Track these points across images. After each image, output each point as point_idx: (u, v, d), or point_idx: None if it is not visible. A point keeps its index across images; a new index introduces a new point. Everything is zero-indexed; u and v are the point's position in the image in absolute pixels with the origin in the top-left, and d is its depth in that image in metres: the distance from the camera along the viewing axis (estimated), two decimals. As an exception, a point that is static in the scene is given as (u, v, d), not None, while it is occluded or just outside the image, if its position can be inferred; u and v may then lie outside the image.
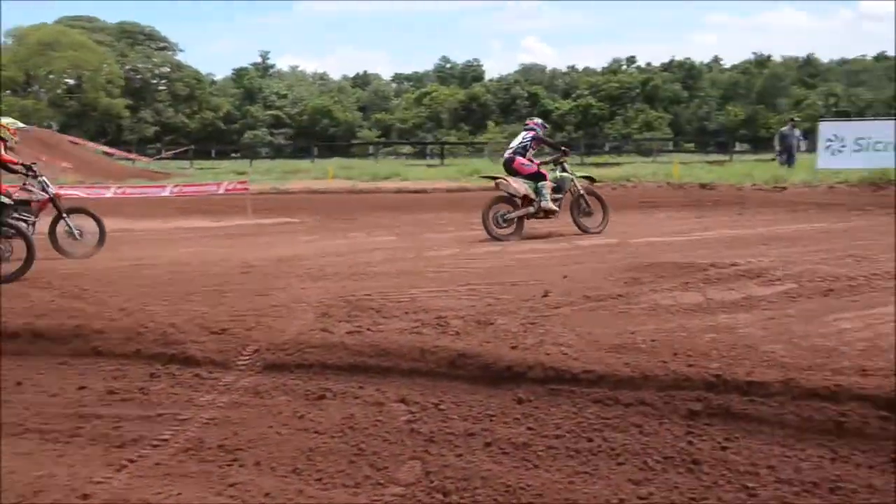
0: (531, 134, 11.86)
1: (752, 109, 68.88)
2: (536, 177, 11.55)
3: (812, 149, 23.05)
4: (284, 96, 74.00)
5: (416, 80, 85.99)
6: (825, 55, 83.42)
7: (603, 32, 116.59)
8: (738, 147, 46.46)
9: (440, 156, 38.14)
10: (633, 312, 5.96)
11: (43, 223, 10.52)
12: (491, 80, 79.46)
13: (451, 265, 8.93)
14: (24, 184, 10.31)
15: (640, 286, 6.88)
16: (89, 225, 10.78)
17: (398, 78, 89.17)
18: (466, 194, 19.11)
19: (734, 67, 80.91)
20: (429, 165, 32.63)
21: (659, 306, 6.13)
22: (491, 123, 67.52)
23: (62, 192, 11.41)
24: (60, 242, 10.59)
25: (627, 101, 70.44)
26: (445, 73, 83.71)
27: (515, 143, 11.92)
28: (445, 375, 4.69)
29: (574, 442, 3.72)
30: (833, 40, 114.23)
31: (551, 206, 11.48)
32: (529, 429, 3.90)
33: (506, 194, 11.36)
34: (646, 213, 14.15)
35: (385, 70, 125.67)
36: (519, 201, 11.33)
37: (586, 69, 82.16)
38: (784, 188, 18.89)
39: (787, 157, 23.27)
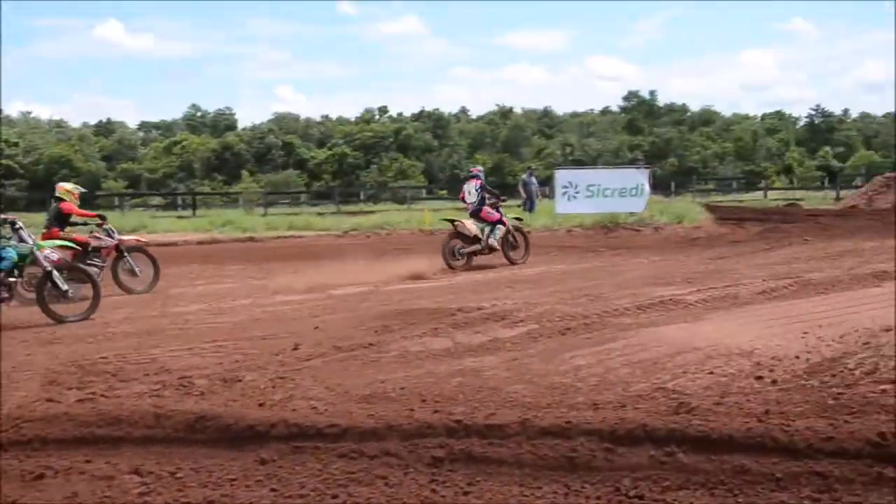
0: (479, 182, 13.99)
1: (499, 157, 73.11)
2: (496, 222, 13.66)
3: (552, 195, 24.80)
4: (15, 144, 67.83)
5: (165, 128, 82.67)
6: (560, 108, 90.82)
7: (356, 82, 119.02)
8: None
9: (192, 207, 36.60)
10: (383, 361, 5.96)
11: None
12: (244, 129, 78.14)
13: (198, 321, 8.52)
14: (93, 233, 11.64)
15: (391, 334, 6.92)
16: (146, 263, 11.95)
17: (145, 126, 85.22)
18: (219, 246, 18.46)
19: (480, 118, 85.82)
20: (179, 217, 31.15)
21: (409, 353, 6.19)
22: (245, 173, 66.13)
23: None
24: (122, 279, 11.64)
25: (381, 150, 72.08)
26: (196, 122, 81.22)
27: (473, 197, 13.91)
28: (184, 441, 4.37)
29: (319, 500, 3.59)
30: (566, 95, 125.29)
31: (496, 244, 13.56)
32: (273, 490, 3.72)
33: (460, 232, 13.48)
34: (397, 261, 14.38)
35: (131, 118, 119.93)
36: (471, 239, 13.44)
37: (340, 118, 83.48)
38: (528, 232, 20.05)
39: (529, 202, 24.90)
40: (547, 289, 10.00)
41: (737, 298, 8.42)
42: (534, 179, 25.80)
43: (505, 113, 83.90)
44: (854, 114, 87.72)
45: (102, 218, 11.91)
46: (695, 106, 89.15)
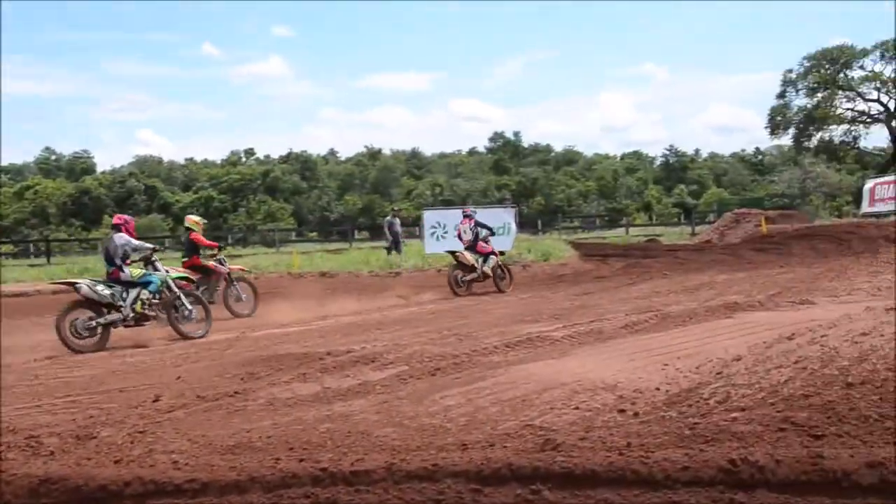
0: (472, 222, 16.34)
1: (369, 199, 73.23)
2: (489, 253, 15.93)
3: (421, 235, 25.00)
4: None
5: (16, 171, 78.23)
6: (428, 149, 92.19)
7: (221, 124, 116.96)
8: (358, 235, 48.88)
9: (46, 254, 34.55)
10: (249, 409, 5.79)
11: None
12: (104, 173, 75.01)
13: (49, 375, 8.02)
14: (214, 261, 13.48)
15: (258, 381, 6.75)
16: (249, 290, 13.78)
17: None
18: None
19: (349, 159, 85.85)
20: (32, 265, 29.30)
21: (276, 400, 6.04)
22: (106, 217, 63.34)
23: None
24: (230, 304, 13.36)
25: (249, 193, 70.80)
26: (50, 165, 77.40)
27: (469, 235, 16.13)
28: (27, 508, 4.08)
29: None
30: (433, 136, 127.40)
31: (489, 272, 15.73)
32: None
33: (461, 262, 15.60)
34: (268, 304, 14.11)
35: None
36: (469, 268, 15.60)
37: (205, 161, 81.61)
38: (398, 273, 20.12)
39: (395, 243, 24.93)
40: (416, 329, 10.03)
41: (601, 333, 8.70)
42: (397, 221, 25.89)
43: (373, 154, 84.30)
44: (704, 154, 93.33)
45: (220, 248, 13.91)
46: (558, 146, 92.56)
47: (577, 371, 6.40)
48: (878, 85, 44.35)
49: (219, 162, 79.90)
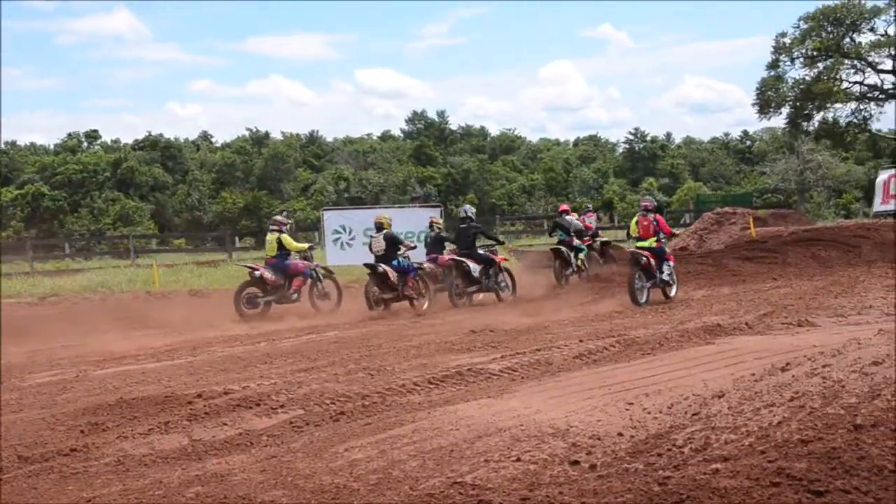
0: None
1: (253, 196, 72.55)
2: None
3: (321, 241, 24.86)
4: None
5: None
6: (330, 133, 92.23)
7: (52, 98, 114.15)
8: (239, 243, 48.27)
9: None
10: (92, 472, 5.67)
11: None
12: None
13: None
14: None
15: (104, 433, 6.63)
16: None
17: None
18: None
19: (227, 146, 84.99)
20: None
21: (128, 458, 5.94)
22: None
23: None
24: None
25: (94, 188, 69.32)
26: None
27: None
28: None
29: None
30: (336, 116, 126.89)
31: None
32: None
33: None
34: (122, 333, 13.84)
35: None
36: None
37: (33, 147, 79.70)
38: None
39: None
40: (315, 362, 9.99)
41: (550, 365, 8.80)
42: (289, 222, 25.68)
43: (259, 139, 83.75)
44: (678, 139, 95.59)
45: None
46: (494, 129, 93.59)
47: (520, 413, 6.45)
48: (893, 52, 45.13)
49: (51, 148, 78.11)
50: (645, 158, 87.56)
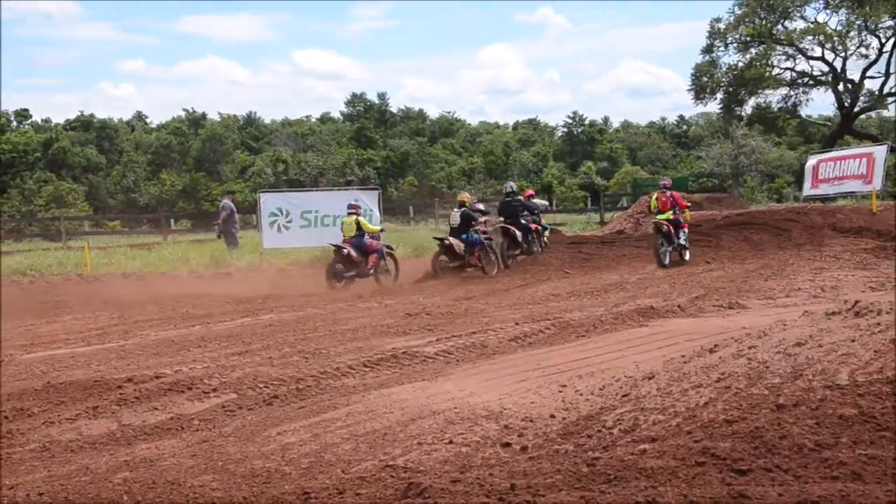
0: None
1: (190, 178, 71.72)
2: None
3: (258, 224, 24.63)
4: None
5: None
6: (268, 115, 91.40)
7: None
8: (175, 225, 47.73)
9: None
10: (16, 458, 5.59)
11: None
12: None
13: None
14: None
15: (30, 419, 6.53)
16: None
17: None
18: None
19: (163, 127, 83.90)
20: None
21: (55, 444, 5.87)
22: None
23: None
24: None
25: (24, 169, 67.87)
26: None
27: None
28: None
29: None
30: (275, 98, 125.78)
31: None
32: None
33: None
34: (52, 319, 13.62)
35: None
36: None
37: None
38: (229, 273, 19.81)
39: (226, 234, 24.26)
40: (249, 346, 9.94)
41: (485, 347, 8.85)
42: (231, 206, 25.22)
43: (196, 120, 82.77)
44: (616, 123, 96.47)
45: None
46: (434, 112, 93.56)
47: (454, 395, 6.48)
48: (822, 39, 45.84)
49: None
50: (583, 142, 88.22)
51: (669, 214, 18.77)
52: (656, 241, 18.62)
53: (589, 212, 43.51)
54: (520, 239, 20.19)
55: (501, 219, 20.72)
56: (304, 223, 21.93)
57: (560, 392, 6.35)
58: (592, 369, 7.22)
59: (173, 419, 6.42)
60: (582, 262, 19.61)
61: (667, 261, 18.11)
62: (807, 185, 32.70)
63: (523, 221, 20.60)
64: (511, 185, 22.20)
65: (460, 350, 8.73)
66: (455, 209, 19.71)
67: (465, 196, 20.46)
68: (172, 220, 44.72)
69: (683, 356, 6.48)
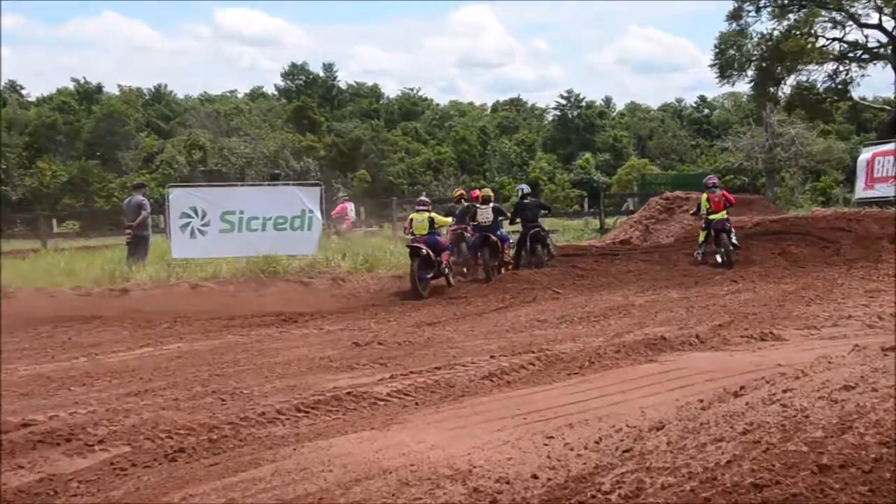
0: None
1: (80, 166, 71.50)
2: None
3: (166, 228, 24.34)
4: None
5: None
6: (181, 89, 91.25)
7: None
8: (58, 227, 47.44)
9: None
10: None
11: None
12: None
13: None
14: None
15: None
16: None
17: None
18: None
19: (44, 101, 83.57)
20: None
21: None
22: None
23: None
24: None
25: None
26: None
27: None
28: None
29: None
30: (190, 67, 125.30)
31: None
32: None
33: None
34: None
35: None
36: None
37: None
38: (126, 290, 19.60)
39: (138, 240, 23.81)
40: (149, 384, 9.88)
41: (452, 387, 8.83)
42: (143, 200, 24.89)
43: (89, 94, 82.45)
44: (620, 105, 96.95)
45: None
46: (392, 90, 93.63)
47: (411, 449, 6.46)
48: (881, 2, 44.97)
49: None
50: (580, 129, 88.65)
51: (724, 214, 21.69)
52: (716, 240, 21.62)
53: (586, 216, 43.65)
54: (507, 247, 22.10)
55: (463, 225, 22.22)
56: (224, 227, 21.53)
57: (545, 445, 6.31)
58: (587, 416, 7.19)
59: (44, 481, 6.32)
60: (576, 280, 19.62)
61: (722, 260, 21.10)
62: (860, 184, 32.66)
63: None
64: (523, 186, 25.19)
65: (420, 390, 8.70)
66: (480, 205, 21.84)
67: (488, 191, 23.05)
68: (55, 221, 44.42)
69: (701, 401, 6.46)
